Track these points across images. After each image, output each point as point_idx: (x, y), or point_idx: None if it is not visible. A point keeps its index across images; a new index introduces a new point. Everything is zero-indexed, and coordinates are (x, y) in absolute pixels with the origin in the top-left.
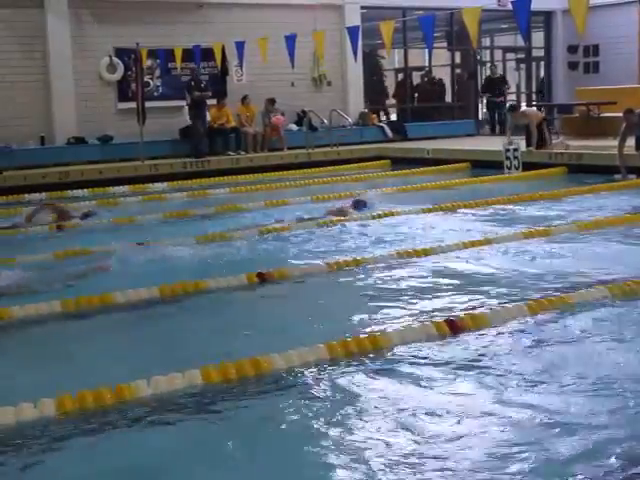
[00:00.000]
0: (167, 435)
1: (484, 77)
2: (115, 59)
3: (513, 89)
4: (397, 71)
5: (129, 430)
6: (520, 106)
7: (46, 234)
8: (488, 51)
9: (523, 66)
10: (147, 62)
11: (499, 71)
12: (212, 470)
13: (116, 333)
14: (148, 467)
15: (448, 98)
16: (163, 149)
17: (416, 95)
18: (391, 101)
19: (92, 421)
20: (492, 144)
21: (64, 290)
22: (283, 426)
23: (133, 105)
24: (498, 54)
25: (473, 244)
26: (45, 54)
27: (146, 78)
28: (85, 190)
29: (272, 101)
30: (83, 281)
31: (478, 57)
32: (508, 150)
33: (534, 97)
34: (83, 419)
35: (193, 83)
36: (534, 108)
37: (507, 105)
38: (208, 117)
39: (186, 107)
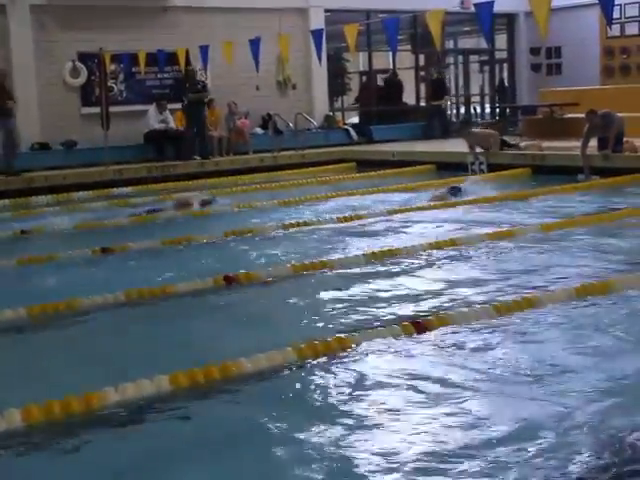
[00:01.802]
0: (132, 442)
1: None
2: (78, 64)
3: (476, 91)
4: (361, 74)
5: (95, 438)
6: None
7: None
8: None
9: (487, 68)
10: (111, 67)
11: (438, 73)
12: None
13: (83, 340)
14: (118, 473)
15: (412, 100)
16: (127, 154)
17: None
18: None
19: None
20: (456, 146)
21: (29, 296)
22: (251, 430)
23: (97, 110)
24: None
25: (439, 245)
26: (7, 60)
27: (110, 83)
28: (50, 196)
29: (234, 103)
30: (48, 288)
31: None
32: (473, 163)
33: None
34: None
35: (188, 85)
36: (489, 130)
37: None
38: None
39: (152, 110)
